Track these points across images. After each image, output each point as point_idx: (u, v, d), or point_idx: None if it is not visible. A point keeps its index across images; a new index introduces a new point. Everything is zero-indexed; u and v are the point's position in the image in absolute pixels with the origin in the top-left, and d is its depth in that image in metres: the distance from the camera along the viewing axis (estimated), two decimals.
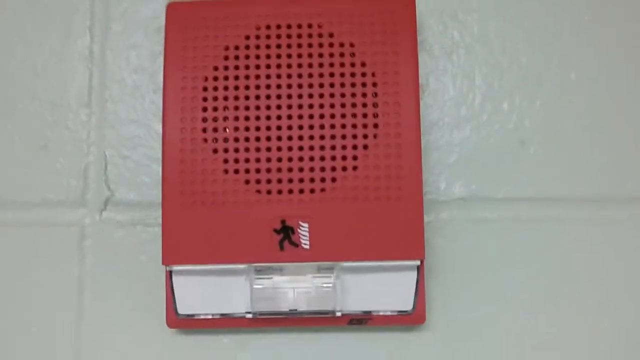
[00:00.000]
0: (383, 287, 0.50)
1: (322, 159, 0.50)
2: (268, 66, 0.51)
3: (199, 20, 0.51)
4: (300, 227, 0.49)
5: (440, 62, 0.55)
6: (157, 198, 0.53)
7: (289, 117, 0.50)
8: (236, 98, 0.50)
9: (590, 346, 0.52)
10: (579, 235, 0.53)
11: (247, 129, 0.50)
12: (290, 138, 0.50)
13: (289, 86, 0.50)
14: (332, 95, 0.50)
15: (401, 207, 0.49)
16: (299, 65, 0.51)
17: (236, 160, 0.50)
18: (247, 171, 0.50)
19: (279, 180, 0.49)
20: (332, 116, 0.50)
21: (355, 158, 0.50)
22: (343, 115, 0.50)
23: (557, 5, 0.55)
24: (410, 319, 0.50)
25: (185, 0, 0.53)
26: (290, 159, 0.50)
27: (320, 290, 0.49)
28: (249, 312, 0.49)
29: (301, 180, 0.49)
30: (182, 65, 0.51)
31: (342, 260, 0.49)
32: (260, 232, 0.49)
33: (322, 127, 0.50)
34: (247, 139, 0.50)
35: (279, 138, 0.50)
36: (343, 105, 0.50)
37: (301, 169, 0.49)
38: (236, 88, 0.50)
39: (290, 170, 0.49)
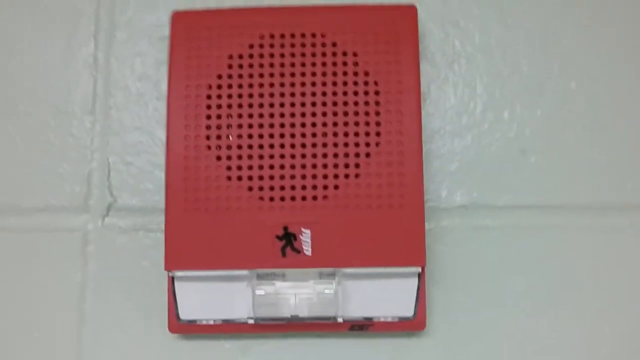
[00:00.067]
0: (384, 294, 0.50)
1: (325, 166, 0.50)
2: (272, 75, 0.51)
3: (203, 29, 0.52)
4: (303, 234, 0.49)
5: (441, 70, 0.56)
6: (159, 204, 0.53)
7: (292, 124, 0.50)
8: (240, 106, 0.51)
9: (591, 352, 0.52)
10: (579, 243, 0.53)
11: (250, 136, 0.50)
12: (293, 145, 0.50)
13: (292, 94, 0.51)
14: (334, 104, 0.51)
15: (403, 214, 0.49)
16: (302, 74, 0.51)
17: (239, 167, 0.50)
18: (250, 178, 0.50)
19: (282, 187, 0.50)
20: (335, 124, 0.50)
21: (357, 166, 0.50)
22: (346, 123, 0.50)
23: (557, 15, 0.56)
24: (411, 325, 0.50)
25: (190, 9, 0.53)
26: (293, 166, 0.50)
27: (322, 296, 0.49)
28: (250, 318, 0.49)
29: (304, 187, 0.50)
30: (187, 74, 0.51)
31: (343, 266, 0.49)
32: (262, 239, 0.49)
33: (324, 134, 0.50)
34: (250, 146, 0.50)
35: (282, 145, 0.50)
36: (346, 114, 0.50)
37: (304, 176, 0.50)
38: (240, 96, 0.51)
39: (293, 177, 0.50)
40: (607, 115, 0.55)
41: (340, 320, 0.49)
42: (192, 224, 0.49)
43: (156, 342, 0.53)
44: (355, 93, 0.51)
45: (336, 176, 0.50)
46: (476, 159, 0.54)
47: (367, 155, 0.50)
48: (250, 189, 0.50)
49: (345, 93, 0.51)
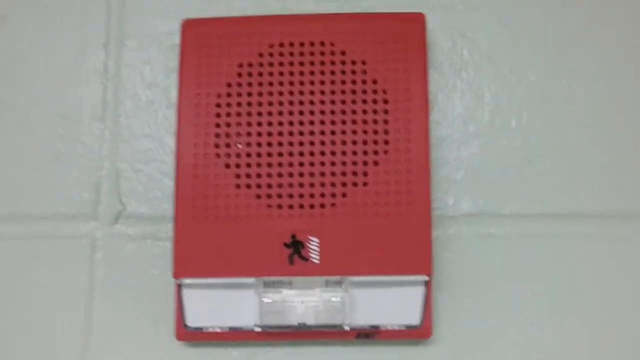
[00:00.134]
0: (391, 302, 0.50)
1: (333, 174, 0.50)
2: (281, 83, 0.51)
3: (213, 38, 0.52)
4: (310, 242, 0.49)
5: (449, 79, 0.56)
6: (168, 212, 0.53)
7: (301, 133, 0.51)
8: (249, 114, 0.51)
9: None
10: (585, 251, 0.53)
11: (259, 144, 0.51)
12: (301, 154, 0.50)
13: (301, 103, 0.51)
14: (343, 112, 0.51)
15: (410, 222, 0.50)
16: (311, 83, 0.51)
17: (248, 175, 0.50)
18: (258, 186, 0.50)
19: (290, 195, 0.50)
20: (343, 132, 0.51)
21: (365, 174, 0.50)
22: (354, 132, 0.51)
23: (565, 24, 0.56)
24: (418, 333, 0.50)
25: (200, 17, 0.54)
26: (301, 174, 0.50)
27: (329, 305, 0.50)
28: (257, 326, 0.50)
29: (312, 195, 0.50)
30: (197, 82, 0.51)
31: (350, 274, 0.49)
32: (270, 246, 0.50)
33: (333, 143, 0.50)
34: (259, 155, 0.50)
35: (291, 153, 0.50)
36: (354, 122, 0.51)
37: (312, 184, 0.50)
38: (249, 104, 0.51)
39: (301, 185, 0.50)
40: (614, 124, 0.55)
41: (347, 328, 0.50)
42: (200, 231, 0.50)
43: (163, 349, 0.53)
44: (364, 101, 0.51)
45: (344, 184, 0.50)
46: (483, 167, 0.55)
47: (376, 163, 0.50)
48: (258, 197, 0.50)
49: (353, 101, 0.51)
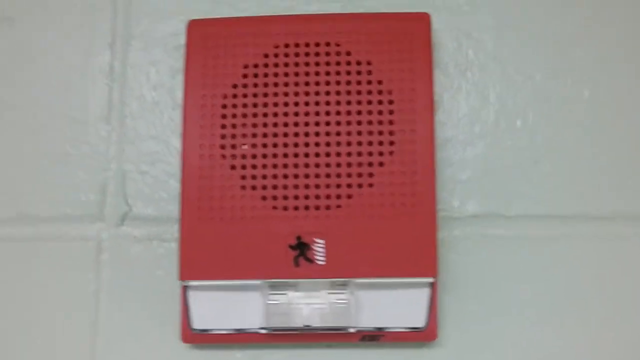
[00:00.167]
0: (396, 304, 0.50)
1: (338, 175, 0.50)
2: (286, 84, 0.51)
3: (219, 38, 0.52)
4: (316, 244, 0.49)
5: (454, 79, 0.56)
6: (174, 213, 0.54)
7: (306, 134, 0.51)
8: (254, 115, 0.51)
9: None
10: (592, 252, 0.53)
11: (264, 145, 0.51)
12: (307, 155, 0.50)
13: (307, 103, 0.51)
14: (348, 113, 0.51)
15: (416, 223, 0.50)
16: (317, 83, 0.51)
17: (253, 177, 0.50)
18: (264, 187, 0.50)
19: (296, 197, 0.50)
20: (349, 133, 0.51)
21: (371, 175, 0.50)
22: (359, 133, 0.51)
23: (570, 24, 0.56)
24: (423, 336, 0.50)
25: (205, 18, 0.54)
26: (306, 176, 0.50)
27: (335, 307, 0.50)
28: (263, 328, 0.50)
29: (317, 197, 0.50)
30: (202, 83, 0.51)
31: (356, 276, 0.49)
32: (275, 248, 0.50)
33: (338, 144, 0.50)
34: (264, 156, 0.50)
35: (296, 155, 0.50)
36: (359, 123, 0.51)
37: (317, 186, 0.50)
38: (254, 105, 0.51)
39: (306, 186, 0.50)
40: (620, 124, 0.55)
41: (352, 330, 0.50)
42: (206, 233, 0.50)
43: (169, 351, 0.53)
44: (369, 102, 0.51)
45: (349, 185, 0.50)
46: (488, 168, 0.54)
47: (381, 164, 0.50)
48: (264, 198, 0.50)
49: (359, 102, 0.51)
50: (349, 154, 0.50)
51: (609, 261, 0.53)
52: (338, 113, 0.51)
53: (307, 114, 0.51)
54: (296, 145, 0.50)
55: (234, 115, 0.51)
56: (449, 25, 0.56)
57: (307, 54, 0.52)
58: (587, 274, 0.53)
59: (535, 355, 0.52)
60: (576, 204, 0.54)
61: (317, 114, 0.51)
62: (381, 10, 0.56)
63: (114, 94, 0.56)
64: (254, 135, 0.51)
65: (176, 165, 0.54)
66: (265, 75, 0.52)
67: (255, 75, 0.52)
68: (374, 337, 0.50)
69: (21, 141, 0.56)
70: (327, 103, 0.51)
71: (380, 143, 0.50)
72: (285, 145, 0.51)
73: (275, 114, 0.51)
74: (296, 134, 0.51)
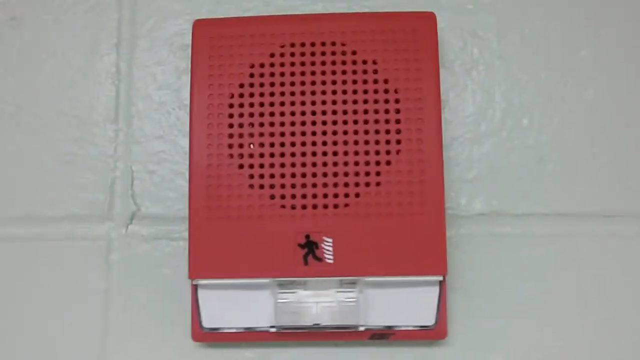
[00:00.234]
0: (405, 302, 0.50)
1: (346, 174, 0.50)
2: (292, 83, 0.51)
3: (225, 38, 0.52)
4: (325, 242, 0.50)
5: (460, 78, 0.56)
6: (181, 212, 0.54)
7: (313, 133, 0.51)
8: (261, 115, 0.51)
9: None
10: (599, 250, 0.53)
11: (272, 145, 0.51)
12: (314, 154, 0.50)
13: (313, 103, 0.51)
14: (355, 112, 0.51)
15: (424, 222, 0.50)
16: (323, 83, 0.51)
17: (261, 176, 0.50)
18: (272, 186, 0.50)
19: (304, 196, 0.50)
20: (356, 132, 0.51)
21: (378, 174, 0.50)
22: (366, 132, 0.51)
23: (574, 23, 0.56)
24: (432, 334, 0.50)
25: (211, 17, 0.54)
26: (314, 175, 0.50)
27: (344, 305, 0.50)
28: (273, 326, 0.50)
29: (325, 196, 0.50)
30: (209, 83, 0.51)
31: (365, 275, 0.49)
32: (284, 247, 0.50)
33: (345, 143, 0.50)
34: (272, 155, 0.50)
35: (304, 154, 0.50)
36: (366, 122, 0.51)
37: (325, 185, 0.50)
38: (261, 105, 0.51)
39: (314, 185, 0.50)
40: (625, 123, 0.55)
41: (361, 329, 0.50)
42: (214, 232, 0.50)
43: (179, 349, 0.53)
44: (376, 101, 0.51)
45: (357, 184, 0.50)
46: (495, 167, 0.55)
47: (388, 163, 0.50)
48: (272, 197, 0.50)
49: (365, 101, 0.51)
50: (356, 153, 0.50)
51: (616, 259, 0.53)
52: (345, 112, 0.51)
53: (313, 113, 0.51)
54: (303, 144, 0.50)
55: (241, 115, 0.51)
56: (454, 24, 0.56)
57: (313, 54, 0.52)
58: (595, 272, 0.53)
59: (543, 353, 0.52)
60: (583, 202, 0.54)
61: (324, 113, 0.51)
62: (386, 9, 0.56)
63: (121, 94, 0.56)
64: (261, 135, 0.51)
65: (183, 165, 0.54)
66: (272, 74, 0.52)
67: (262, 75, 0.52)
68: (383, 335, 0.50)
69: (28, 142, 0.56)
70: (334, 102, 0.51)
71: (387, 142, 0.50)
72: (293, 144, 0.51)
73: (282, 114, 0.51)
74: (303, 133, 0.51)
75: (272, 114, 0.51)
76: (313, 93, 0.51)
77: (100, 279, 0.54)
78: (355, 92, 0.51)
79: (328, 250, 0.49)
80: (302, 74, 0.51)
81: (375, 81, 0.51)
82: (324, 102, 0.51)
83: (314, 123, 0.51)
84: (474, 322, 0.53)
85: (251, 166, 0.50)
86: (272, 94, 0.51)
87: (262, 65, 0.52)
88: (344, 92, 0.51)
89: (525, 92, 0.55)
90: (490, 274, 0.53)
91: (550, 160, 0.54)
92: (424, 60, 0.52)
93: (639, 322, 0.53)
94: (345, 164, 0.50)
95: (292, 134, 0.51)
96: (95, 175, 0.55)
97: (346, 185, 0.50)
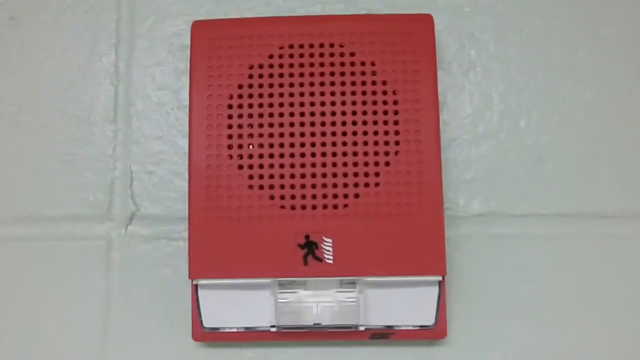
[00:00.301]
0: (405, 302, 0.50)
1: (345, 175, 0.50)
2: (291, 84, 0.51)
3: (223, 40, 0.52)
4: (324, 242, 0.50)
5: (457, 79, 0.56)
6: (181, 213, 0.54)
7: (313, 134, 0.51)
8: (260, 116, 0.51)
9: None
10: (597, 251, 0.54)
11: (271, 145, 0.51)
12: (313, 155, 0.50)
13: (312, 104, 0.51)
14: (354, 113, 0.51)
15: (422, 222, 0.50)
16: (322, 84, 0.51)
17: (261, 176, 0.50)
18: (271, 187, 0.50)
19: (303, 196, 0.50)
20: (355, 133, 0.51)
21: (377, 174, 0.50)
22: (365, 133, 0.51)
23: (572, 24, 0.56)
24: (432, 334, 0.51)
25: (210, 18, 0.54)
26: (313, 175, 0.50)
27: (344, 305, 0.50)
28: (273, 326, 0.50)
29: (325, 196, 0.50)
30: (208, 84, 0.51)
31: (365, 275, 0.50)
32: (284, 247, 0.50)
33: (344, 144, 0.51)
34: (271, 156, 0.50)
35: (303, 155, 0.50)
36: (365, 123, 0.51)
37: (325, 185, 0.50)
38: (260, 106, 0.51)
39: (314, 186, 0.50)
40: (623, 123, 0.55)
41: (361, 328, 0.50)
42: (214, 232, 0.50)
43: (179, 349, 0.53)
44: (374, 102, 0.51)
45: (356, 185, 0.50)
46: (493, 168, 0.55)
47: (387, 163, 0.50)
48: (271, 197, 0.50)
49: (364, 102, 0.51)
50: (355, 154, 0.50)
51: (614, 259, 0.54)
52: (343, 113, 0.51)
53: (312, 114, 0.51)
54: (303, 145, 0.51)
55: (240, 116, 0.51)
56: (451, 26, 0.57)
57: (311, 55, 0.52)
58: (593, 272, 0.53)
59: (541, 352, 0.53)
60: (580, 203, 0.54)
61: (323, 114, 0.51)
62: (383, 11, 0.56)
63: (120, 94, 0.56)
64: (261, 135, 0.51)
65: (182, 165, 0.55)
66: (271, 76, 0.52)
67: (261, 76, 0.52)
68: (383, 335, 0.51)
69: (28, 142, 0.56)
70: (333, 103, 0.51)
71: (386, 143, 0.51)
72: (292, 145, 0.51)
73: (281, 114, 0.51)
74: (302, 134, 0.51)
75: (271, 115, 0.51)
76: (312, 94, 0.51)
77: (100, 279, 0.54)
78: (353, 93, 0.51)
79: (328, 250, 0.50)
80: (301, 75, 0.52)
81: (374, 82, 0.52)
82: (322, 103, 0.51)
83: (313, 124, 0.51)
84: (473, 322, 0.53)
85: (250, 167, 0.51)
86: (271, 95, 0.51)
87: (261, 66, 0.52)
88: (343, 93, 0.51)
89: (523, 94, 0.56)
90: (489, 274, 0.53)
91: (548, 161, 0.55)
92: (421, 62, 0.52)
93: (637, 322, 0.53)
94: (345, 164, 0.50)
95: (292, 134, 0.51)
96: (95, 175, 0.55)
97: (345, 185, 0.50)
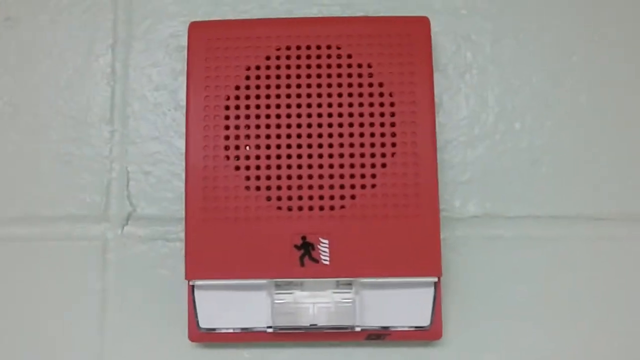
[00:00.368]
0: (401, 303, 0.50)
1: (342, 176, 0.50)
2: (288, 86, 0.51)
3: (220, 41, 0.52)
4: (321, 244, 0.50)
5: (453, 82, 0.56)
6: (177, 213, 0.54)
7: (309, 135, 0.51)
8: (257, 117, 0.51)
9: None
10: (591, 252, 0.54)
11: (268, 147, 0.51)
12: (310, 156, 0.51)
13: (309, 105, 0.51)
14: (350, 115, 0.51)
15: (418, 224, 0.50)
16: (319, 86, 0.52)
17: (257, 177, 0.50)
18: (268, 188, 0.50)
19: (300, 197, 0.50)
20: (351, 135, 0.51)
21: (373, 176, 0.50)
22: (362, 134, 0.51)
23: (567, 27, 0.56)
24: (428, 335, 0.51)
25: (206, 20, 0.54)
26: (310, 177, 0.50)
27: (340, 306, 0.50)
28: (269, 327, 0.50)
29: (321, 197, 0.50)
30: (205, 85, 0.52)
31: (361, 276, 0.50)
32: (281, 248, 0.50)
33: (341, 145, 0.51)
34: (268, 157, 0.51)
35: (300, 156, 0.51)
36: (361, 125, 0.51)
37: (321, 187, 0.50)
38: (257, 107, 0.51)
39: (310, 187, 0.50)
40: (617, 126, 0.55)
41: (357, 329, 0.50)
42: (211, 233, 0.50)
43: (176, 350, 0.53)
44: (371, 104, 0.51)
45: (353, 186, 0.50)
46: (488, 170, 0.55)
47: (383, 165, 0.51)
48: (268, 198, 0.50)
49: (360, 104, 0.51)
50: (351, 155, 0.51)
51: (608, 261, 0.54)
52: (340, 115, 0.51)
53: (309, 115, 0.51)
54: (299, 146, 0.51)
55: (237, 117, 0.51)
56: (448, 29, 0.57)
57: (308, 57, 0.52)
58: (587, 274, 0.54)
59: (536, 353, 0.53)
60: (575, 205, 0.54)
61: (320, 115, 0.51)
62: (380, 14, 0.57)
63: (116, 95, 0.56)
64: (258, 137, 0.51)
65: (179, 166, 0.55)
66: (267, 77, 0.52)
67: (258, 77, 0.52)
68: (379, 335, 0.51)
69: (25, 142, 0.56)
70: (329, 105, 0.51)
71: (382, 144, 0.51)
72: (289, 146, 0.51)
73: (278, 116, 0.51)
74: (299, 135, 0.51)
75: (268, 116, 0.51)
76: (309, 95, 0.51)
77: (96, 280, 0.54)
78: (350, 95, 0.51)
79: (324, 251, 0.50)
80: (298, 76, 0.52)
81: (370, 84, 0.52)
82: (319, 105, 0.51)
83: (309, 125, 0.51)
84: (468, 323, 0.53)
85: (247, 168, 0.51)
86: (267, 96, 0.51)
87: (257, 68, 0.52)
88: (339, 94, 0.51)
89: (518, 96, 0.56)
90: (485, 275, 0.54)
91: (542, 163, 0.55)
92: (418, 64, 0.52)
93: (631, 323, 0.53)
94: (341, 166, 0.50)
95: (288, 136, 0.51)
96: (91, 176, 0.55)
97: (342, 187, 0.50)
